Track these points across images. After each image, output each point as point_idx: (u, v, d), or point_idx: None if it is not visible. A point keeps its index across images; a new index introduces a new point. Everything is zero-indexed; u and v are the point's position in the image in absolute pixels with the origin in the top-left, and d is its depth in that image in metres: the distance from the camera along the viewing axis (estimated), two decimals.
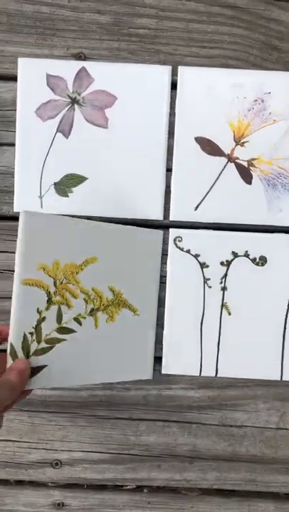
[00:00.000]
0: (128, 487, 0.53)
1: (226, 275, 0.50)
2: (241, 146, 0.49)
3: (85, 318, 0.46)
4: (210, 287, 0.50)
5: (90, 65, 0.48)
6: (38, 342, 0.43)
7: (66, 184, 0.50)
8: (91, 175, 0.49)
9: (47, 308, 0.43)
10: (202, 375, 0.51)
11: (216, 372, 0.51)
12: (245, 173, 0.49)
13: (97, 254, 0.46)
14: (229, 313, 0.50)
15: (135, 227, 0.49)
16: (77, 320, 0.45)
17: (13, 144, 0.50)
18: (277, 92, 0.48)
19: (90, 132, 0.49)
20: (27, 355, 0.42)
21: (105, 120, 0.49)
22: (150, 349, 0.51)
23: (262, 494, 0.53)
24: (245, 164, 0.49)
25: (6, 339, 0.43)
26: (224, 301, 0.50)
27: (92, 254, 0.46)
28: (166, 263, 0.51)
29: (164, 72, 0.48)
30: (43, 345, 0.43)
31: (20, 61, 0.48)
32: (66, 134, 0.49)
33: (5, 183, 0.51)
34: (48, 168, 0.49)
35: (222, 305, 0.50)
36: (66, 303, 0.44)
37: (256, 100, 0.48)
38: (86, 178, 0.50)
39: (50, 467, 0.53)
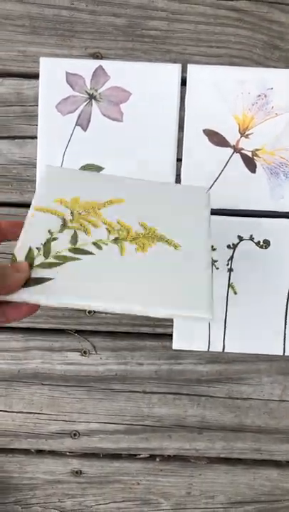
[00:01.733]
0: (141, 456, 0.57)
1: (232, 257, 0.54)
2: (246, 137, 0.53)
3: (106, 244, 0.38)
4: (217, 268, 0.54)
5: (106, 64, 0.53)
6: (46, 257, 0.37)
7: None
8: (107, 165, 0.54)
9: (60, 231, 0.38)
10: (210, 350, 0.55)
11: (223, 348, 0.55)
12: (250, 163, 0.53)
13: (125, 197, 0.40)
14: (235, 293, 0.54)
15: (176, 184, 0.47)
16: (96, 245, 0.38)
17: (35, 137, 0.54)
18: (279, 88, 0.52)
19: (106, 125, 0.53)
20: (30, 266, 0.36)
21: (120, 114, 0.53)
22: (206, 283, 0.36)
23: (266, 462, 0.57)
24: (250, 154, 0.53)
25: (6, 236, 0.39)
26: (231, 281, 0.54)
27: (118, 197, 0.40)
28: None
29: (174, 69, 0.52)
30: (52, 260, 0.37)
31: (42, 60, 0.53)
32: (84, 127, 0.53)
33: (27, 173, 0.55)
34: (68, 159, 0.54)
35: (229, 285, 0.54)
36: (84, 229, 0.39)
37: (259, 95, 0.52)
38: (103, 168, 0.54)
39: (69, 437, 0.57)
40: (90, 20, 0.53)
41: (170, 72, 0.52)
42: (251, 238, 0.54)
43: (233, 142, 0.53)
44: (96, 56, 0.53)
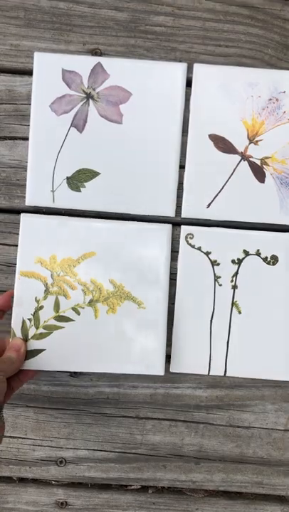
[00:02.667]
0: (133, 487, 0.52)
1: (236, 273, 0.50)
2: (255, 144, 0.49)
3: (83, 308, 0.48)
4: (220, 285, 0.50)
5: (105, 61, 0.48)
6: (37, 327, 0.48)
7: (79, 179, 0.49)
8: (104, 170, 0.49)
9: (44, 298, 0.48)
10: (211, 374, 0.51)
11: (225, 372, 0.51)
12: (259, 172, 0.49)
13: (95, 249, 0.48)
14: (239, 312, 0.50)
15: (138, 223, 0.49)
16: (75, 310, 0.48)
17: (26, 138, 0.50)
18: None
19: (104, 128, 0.49)
20: (25, 339, 0.48)
21: (120, 116, 0.49)
22: (160, 344, 0.49)
23: (268, 497, 0.52)
24: (259, 163, 0.49)
25: (4, 310, 0.48)
26: (234, 299, 0.50)
27: (90, 250, 0.48)
28: (177, 260, 0.50)
29: (179, 69, 0.48)
30: (41, 330, 0.48)
31: (37, 55, 0.48)
32: (80, 128, 0.49)
33: (17, 177, 0.50)
34: (61, 163, 0.49)
35: (232, 303, 0.50)
36: (64, 293, 0.48)
37: (271, 99, 0.48)
38: (99, 174, 0.49)
39: (55, 465, 0.52)
40: (89, 13, 0.49)
41: (174, 71, 0.48)
42: (258, 253, 0.50)
43: (240, 149, 0.49)
44: (95, 53, 0.49)
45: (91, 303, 0.48)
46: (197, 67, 0.48)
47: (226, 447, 0.52)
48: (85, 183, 0.50)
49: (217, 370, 0.50)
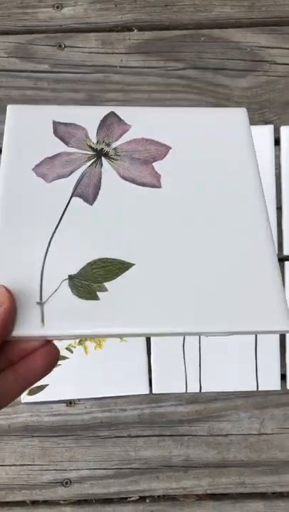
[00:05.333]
0: (132, 498, 0.60)
1: None
2: None
3: (75, 347, 0.59)
4: None
5: (121, 111, 0.35)
6: None
7: (93, 277, 0.28)
8: (139, 260, 0.29)
9: None
10: (188, 391, 0.58)
11: (200, 388, 0.58)
12: None
13: None
14: (206, 335, 0.58)
15: None
16: (68, 349, 0.59)
17: None
18: None
19: (130, 194, 0.32)
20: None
21: (156, 177, 0.33)
22: (142, 368, 0.58)
23: (251, 495, 0.60)
24: None
25: None
26: None
27: None
28: None
29: (239, 113, 0.35)
30: None
31: (11, 109, 0.35)
32: (90, 198, 0.32)
33: None
34: (56, 252, 0.29)
35: None
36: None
37: None
38: (132, 265, 0.29)
39: (61, 486, 0.59)
40: (52, 97, 0.58)
41: (236, 117, 0.34)
42: None
43: None
44: None
45: (80, 342, 0.59)
46: None
47: (209, 454, 0.59)
48: (107, 284, 0.28)
49: (193, 388, 0.58)
